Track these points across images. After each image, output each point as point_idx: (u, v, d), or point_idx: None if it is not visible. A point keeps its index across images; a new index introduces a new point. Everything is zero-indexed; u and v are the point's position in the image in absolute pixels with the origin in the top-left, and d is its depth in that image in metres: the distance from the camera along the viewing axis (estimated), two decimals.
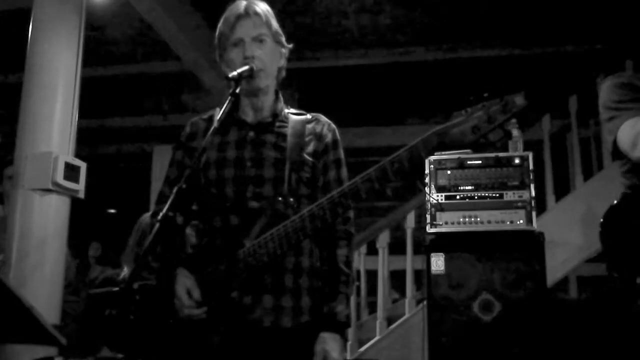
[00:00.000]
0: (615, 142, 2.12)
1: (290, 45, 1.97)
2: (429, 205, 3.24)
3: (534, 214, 3.13)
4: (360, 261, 5.58)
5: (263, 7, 1.90)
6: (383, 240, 5.27)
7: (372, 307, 5.89)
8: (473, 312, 3.08)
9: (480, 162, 3.26)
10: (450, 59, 6.15)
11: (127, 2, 4.75)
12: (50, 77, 3.66)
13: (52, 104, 3.62)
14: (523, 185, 3.18)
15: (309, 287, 1.83)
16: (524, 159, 3.22)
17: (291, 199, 1.79)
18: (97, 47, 5.88)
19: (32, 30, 3.74)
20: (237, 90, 1.72)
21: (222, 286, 1.74)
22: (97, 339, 2.74)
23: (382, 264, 5.25)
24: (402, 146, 1.59)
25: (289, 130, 1.89)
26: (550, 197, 4.97)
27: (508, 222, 3.15)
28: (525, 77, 6.08)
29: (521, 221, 3.13)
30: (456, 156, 3.25)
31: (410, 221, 5.10)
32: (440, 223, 3.22)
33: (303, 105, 2.52)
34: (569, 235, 4.55)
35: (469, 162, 3.27)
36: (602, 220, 2.05)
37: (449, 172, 3.27)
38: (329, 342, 1.75)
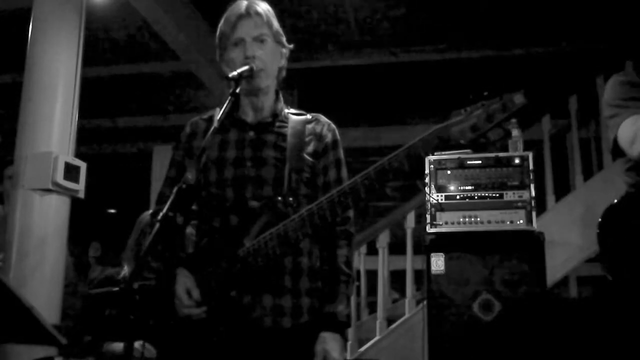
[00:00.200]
0: (615, 140, 2.12)
1: (291, 46, 1.97)
2: (429, 205, 3.24)
3: (534, 214, 3.13)
4: (360, 261, 5.57)
5: (264, 7, 1.90)
6: (383, 240, 5.27)
7: (372, 307, 5.89)
8: (473, 312, 3.08)
9: (480, 162, 3.25)
10: (450, 59, 6.15)
11: (127, 2, 4.74)
12: (50, 77, 3.65)
13: (52, 104, 3.61)
14: (523, 185, 3.17)
15: (308, 288, 1.83)
16: (524, 159, 3.21)
17: (291, 199, 1.79)
18: (97, 47, 5.87)
19: (32, 30, 3.73)
20: (237, 90, 1.72)
21: (222, 286, 1.74)
22: (97, 339, 2.74)
23: (382, 264, 5.24)
24: (402, 146, 1.59)
25: (289, 131, 1.89)
26: (550, 197, 4.97)
27: (508, 222, 3.15)
28: (525, 77, 6.07)
29: (521, 221, 3.13)
30: (456, 156, 3.25)
31: (410, 221, 5.10)
32: (440, 223, 3.21)
33: (303, 105, 2.52)
34: (569, 235, 4.55)
35: (469, 162, 3.26)
36: (600, 220, 2.05)
37: (449, 172, 3.27)
38: (329, 342, 1.76)
